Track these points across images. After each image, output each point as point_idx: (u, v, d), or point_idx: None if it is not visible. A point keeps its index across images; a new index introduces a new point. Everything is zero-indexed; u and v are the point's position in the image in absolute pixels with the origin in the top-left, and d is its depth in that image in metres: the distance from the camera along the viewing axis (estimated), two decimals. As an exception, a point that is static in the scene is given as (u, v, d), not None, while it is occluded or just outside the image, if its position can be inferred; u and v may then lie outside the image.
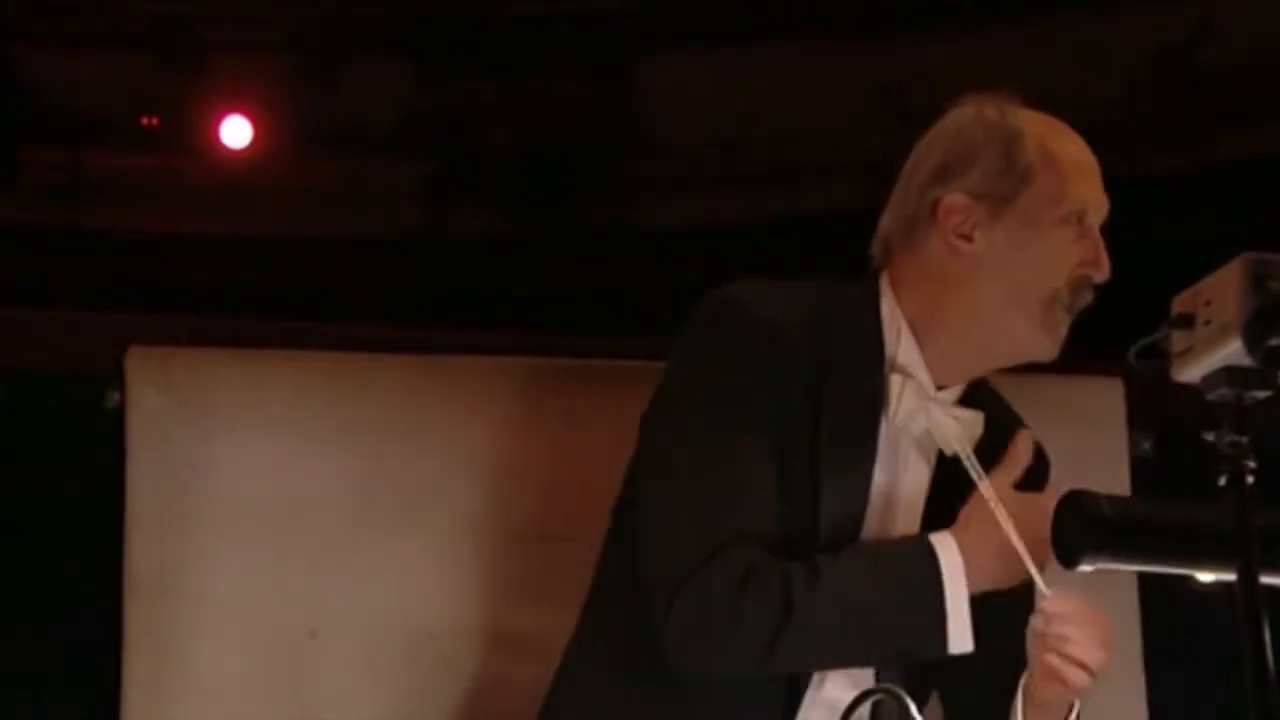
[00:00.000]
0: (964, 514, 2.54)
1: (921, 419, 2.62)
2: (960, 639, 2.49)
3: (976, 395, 2.71)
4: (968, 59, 8.07)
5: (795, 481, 2.56)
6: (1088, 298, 2.65)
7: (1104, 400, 3.32)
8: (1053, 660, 2.47)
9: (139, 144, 8.14)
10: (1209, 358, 1.99)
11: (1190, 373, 2.03)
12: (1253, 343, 1.94)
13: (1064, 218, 2.67)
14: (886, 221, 2.72)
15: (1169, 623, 3.26)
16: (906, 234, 2.69)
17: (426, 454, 3.08)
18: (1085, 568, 2.25)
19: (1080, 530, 2.16)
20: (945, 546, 2.51)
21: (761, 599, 2.47)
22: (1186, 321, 2.02)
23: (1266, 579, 1.94)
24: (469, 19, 8.22)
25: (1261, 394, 1.99)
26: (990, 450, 2.63)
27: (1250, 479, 1.96)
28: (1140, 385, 3.24)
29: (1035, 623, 2.49)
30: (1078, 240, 2.66)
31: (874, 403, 2.61)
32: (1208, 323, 1.99)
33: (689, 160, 7.76)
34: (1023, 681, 2.55)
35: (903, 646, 2.53)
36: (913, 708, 2.31)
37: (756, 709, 2.58)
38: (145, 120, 8.15)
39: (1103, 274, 2.65)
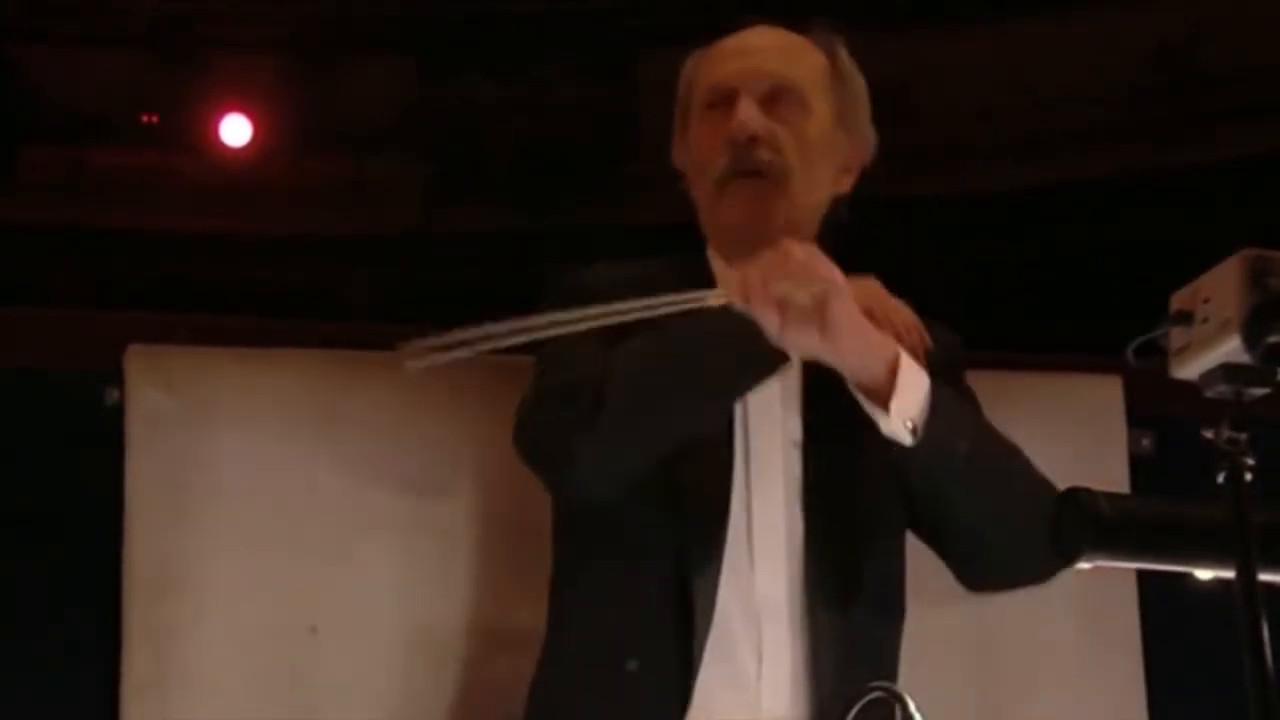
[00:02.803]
0: None
1: None
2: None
3: None
4: (969, 58, 8.08)
5: None
6: (748, 157, 2.64)
7: (1103, 397, 3.32)
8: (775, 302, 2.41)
9: (139, 142, 8.15)
10: (1208, 355, 1.99)
11: (1189, 370, 2.02)
12: (1251, 340, 1.94)
13: (710, 102, 2.69)
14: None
15: (1168, 620, 3.26)
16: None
17: (426, 451, 3.08)
18: (1084, 565, 2.25)
19: (1079, 528, 2.16)
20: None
21: (577, 384, 2.51)
22: (1185, 318, 2.02)
23: (1265, 576, 1.94)
24: (469, 17, 8.22)
25: (1260, 391, 1.99)
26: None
27: (1249, 476, 1.96)
28: (1139, 382, 3.24)
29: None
30: (724, 118, 2.66)
31: None
32: (1206, 320, 1.99)
33: (689, 159, 7.74)
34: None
35: (739, 359, 2.49)
36: (912, 706, 2.30)
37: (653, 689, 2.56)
38: (145, 119, 8.16)
39: (733, 131, 2.64)
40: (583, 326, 2.47)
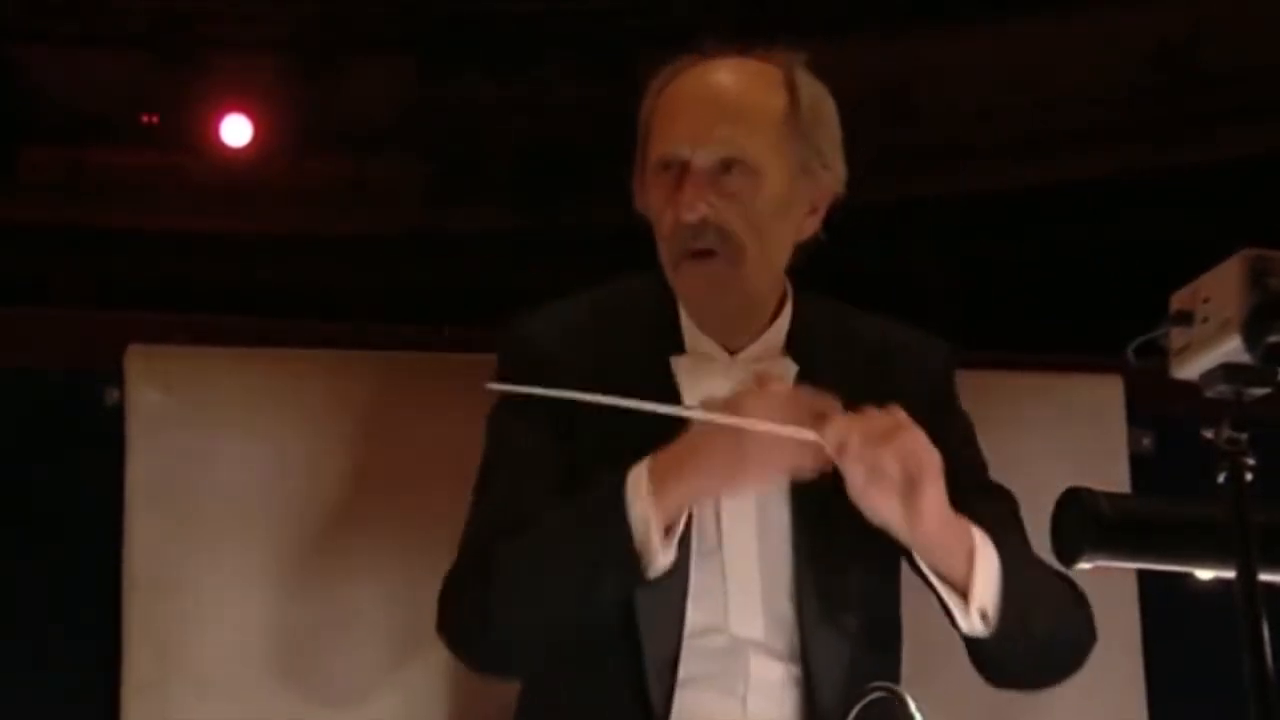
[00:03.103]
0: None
1: (718, 389, 2.55)
2: (652, 557, 2.43)
3: (803, 342, 2.67)
4: (969, 58, 8.07)
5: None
6: (694, 239, 2.59)
7: (1103, 397, 3.32)
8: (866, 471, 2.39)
9: (139, 142, 8.14)
10: (1208, 354, 1.99)
11: (1189, 370, 2.02)
12: (1252, 340, 1.94)
13: (662, 163, 2.63)
14: None
15: (1168, 620, 3.26)
16: None
17: (428, 451, 3.08)
18: (1084, 565, 2.25)
19: (1079, 527, 2.16)
20: (636, 470, 2.45)
21: (474, 577, 2.52)
22: (1185, 318, 2.02)
23: (1265, 576, 1.94)
24: (469, 17, 8.22)
25: (1260, 391, 1.99)
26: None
27: (1249, 476, 1.96)
28: (1139, 382, 3.24)
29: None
30: (675, 186, 2.60)
31: (663, 392, 2.55)
32: (1206, 320, 1.99)
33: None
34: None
35: (604, 572, 2.47)
36: (912, 705, 2.30)
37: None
38: (145, 119, 8.15)
39: (681, 213, 2.58)
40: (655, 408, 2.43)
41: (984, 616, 2.49)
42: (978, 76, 8.14)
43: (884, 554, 2.62)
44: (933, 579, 2.50)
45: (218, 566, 3.02)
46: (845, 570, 2.60)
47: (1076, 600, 2.62)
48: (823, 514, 2.59)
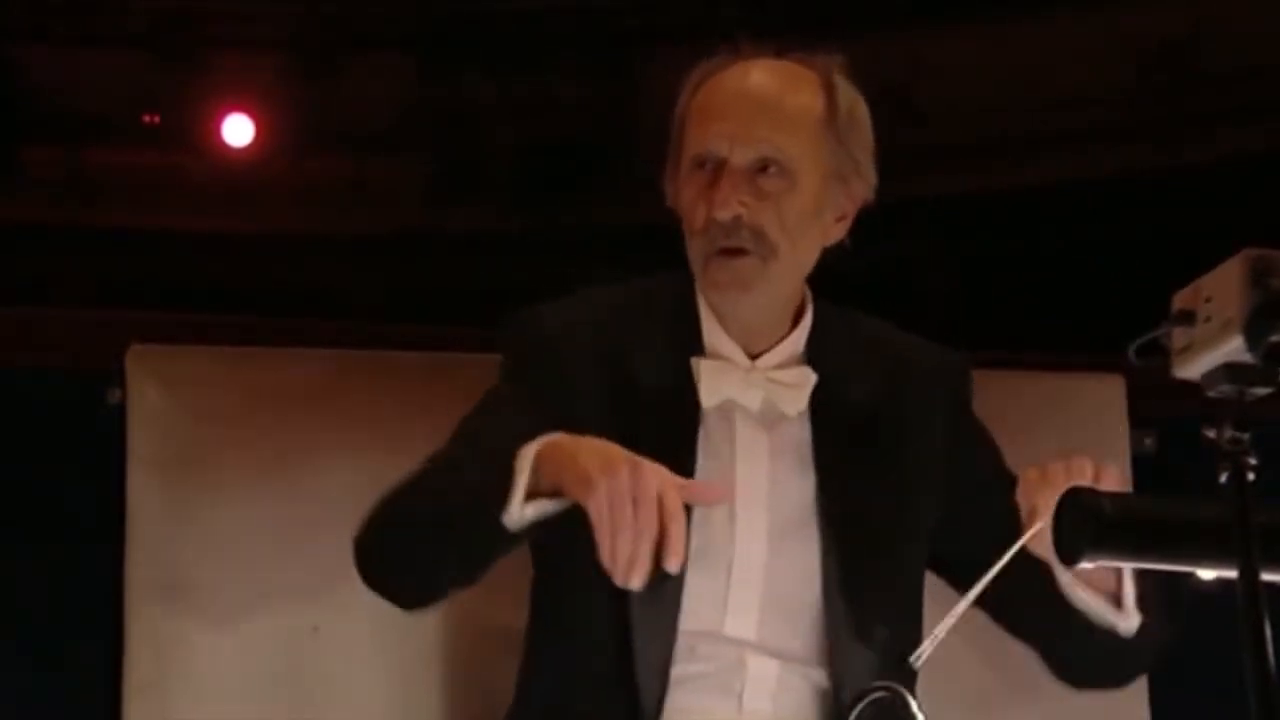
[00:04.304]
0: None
1: (737, 394, 2.59)
2: (512, 499, 2.39)
3: (823, 350, 2.68)
4: (969, 56, 8.07)
5: None
6: (731, 235, 2.59)
7: (1105, 397, 3.32)
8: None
9: (140, 142, 8.13)
10: (1210, 354, 1.99)
11: (1191, 369, 2.03)
12: (1254, 339, 1.94)
13: (696, 162, 2.64)
14: None
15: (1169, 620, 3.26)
16: None
17: (427, 451, 3.08)
18: (1086, 565, 2.24)
19: (1081, 527, 2.15)
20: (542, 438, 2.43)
21: (390, 505, 2.55)
22: (1187, 318, 2.02)
23: (1267, 576, 1.94)
24: (470, 17, 8.21)
25: (1262, 391, 1.99)
26: (828, 405, 2.61)
27: (1251, 475, 1.96)
28: (1141, 382, 3.24)
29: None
30: (709, 184, 2.61)
31: (681, 392, 2.58)
32: (1208, 319, 1.99)
33: (690, 158, 7.70)
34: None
35: (469, 503, 2.45)
36: (914, 704, 2.30)
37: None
38: (146, 118, 8.14)
39: (715, 210, 2.59)
40: None
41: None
42: (978, 76, 8.13)
43: (914, 564, 2.63)
44: (1084, 596, 2.54)
45: (218, 566, 3.03)
46: (877, 577, 2.60)
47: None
48: (855, 519, 2.60)
